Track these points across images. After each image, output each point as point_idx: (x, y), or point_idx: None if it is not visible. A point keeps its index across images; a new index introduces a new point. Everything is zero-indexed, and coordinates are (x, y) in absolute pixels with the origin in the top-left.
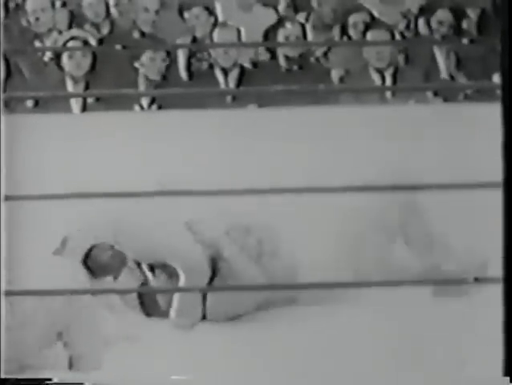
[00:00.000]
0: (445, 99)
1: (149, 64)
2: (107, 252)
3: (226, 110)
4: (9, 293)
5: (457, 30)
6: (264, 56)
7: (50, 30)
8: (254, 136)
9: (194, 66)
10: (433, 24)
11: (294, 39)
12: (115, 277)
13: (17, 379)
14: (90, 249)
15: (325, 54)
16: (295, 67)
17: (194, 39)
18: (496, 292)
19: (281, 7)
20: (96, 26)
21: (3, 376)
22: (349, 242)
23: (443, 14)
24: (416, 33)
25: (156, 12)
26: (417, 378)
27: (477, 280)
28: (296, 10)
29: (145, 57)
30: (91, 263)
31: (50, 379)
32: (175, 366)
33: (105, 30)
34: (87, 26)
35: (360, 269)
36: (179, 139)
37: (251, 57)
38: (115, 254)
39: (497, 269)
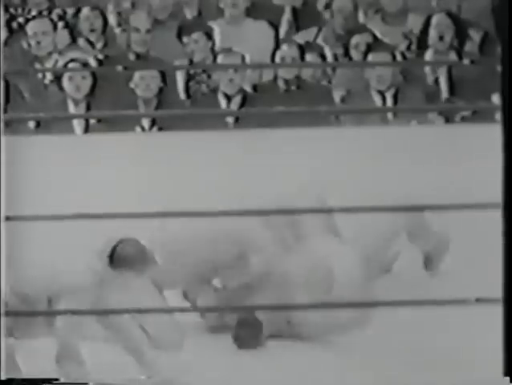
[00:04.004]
0: (447, 120)
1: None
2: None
3: (227, 131)
4: (9, 314)
5: (459, 51)
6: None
7: (50, 53)
8: (258, 157)
9: (193, 88)
10: (435, 45)
11: (291, 60)
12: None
13: (22, 379)
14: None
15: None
16: (294, 88)
17: (191, 62)
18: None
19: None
20: (96, 48)
21: (3, 377)
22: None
23: (445, 36)
24: (418, 54)
25: (154, 34)
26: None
27: (478, 300)
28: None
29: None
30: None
31: (57, 379)
32: None
33: (105, 52)
34: (87, 48)
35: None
36: (180, 160)
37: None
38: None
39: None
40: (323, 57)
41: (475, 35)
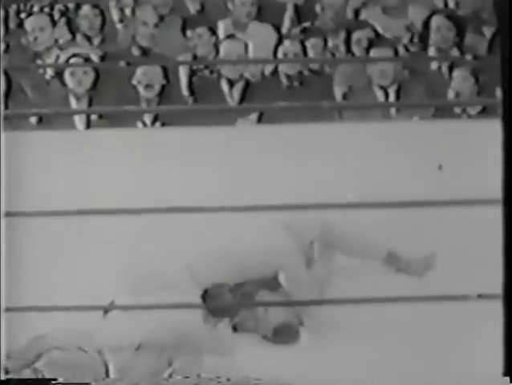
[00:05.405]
0: (449, 116)
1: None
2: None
3: (230, 126)
4: (9, 310)
5: (462, 47)
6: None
7: (49, 48)
8: (257, 153)
9: (196, 83)
10: (437, 40)
11: (293, 56)
12: None
13: (19, 380)
14: None
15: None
16: (296, 84)
17: (195, 57)
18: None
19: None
20: (97, 43)
21: (3, 377)
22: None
23: (448, 30)
24: (421, 48)
25: (159, 29)
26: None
27: (480, 296)
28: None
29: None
30: None
31: (55, 379)
32: None
33: (106, 47)
34: (88, 43)
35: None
36: (181, 156)
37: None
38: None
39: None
40: (324, 40)
41: (479, 31)
